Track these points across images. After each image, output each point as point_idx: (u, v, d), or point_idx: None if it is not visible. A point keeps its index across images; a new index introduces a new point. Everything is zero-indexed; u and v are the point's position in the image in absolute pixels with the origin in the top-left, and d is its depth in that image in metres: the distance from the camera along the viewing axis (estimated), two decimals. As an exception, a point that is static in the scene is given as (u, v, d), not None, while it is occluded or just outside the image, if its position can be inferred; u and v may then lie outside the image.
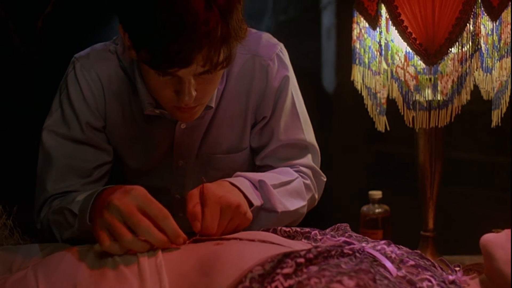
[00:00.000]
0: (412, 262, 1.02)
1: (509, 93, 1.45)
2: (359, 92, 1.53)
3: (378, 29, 1.44)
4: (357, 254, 1.01)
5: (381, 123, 1.51)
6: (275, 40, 1.44)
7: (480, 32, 1.39)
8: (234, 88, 1.39)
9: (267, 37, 1.43)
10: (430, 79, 1.41)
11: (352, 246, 1.03)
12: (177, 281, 0.98)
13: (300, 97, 1.47)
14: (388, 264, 0.99)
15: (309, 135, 1.47)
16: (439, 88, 1.40)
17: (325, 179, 1.50)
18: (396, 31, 1.39)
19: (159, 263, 1.01)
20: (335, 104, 2.64)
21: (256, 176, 1.31)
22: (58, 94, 1.38)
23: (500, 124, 1.45)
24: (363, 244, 1.05)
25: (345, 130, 2.62)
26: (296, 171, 1.43)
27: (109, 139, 1.38)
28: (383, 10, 1.41)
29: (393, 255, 1.03)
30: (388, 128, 1.52)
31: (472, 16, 1.37)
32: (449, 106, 1.41)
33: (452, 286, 1.02)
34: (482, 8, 1.38)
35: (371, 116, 1.53)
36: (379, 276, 0.93)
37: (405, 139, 1.61)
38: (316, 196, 1.47)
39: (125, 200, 1.02)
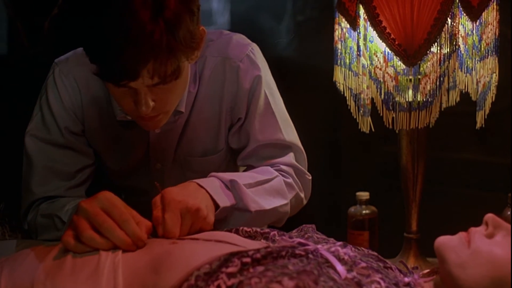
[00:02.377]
0: (363, 264, 1.01)
1: (492, 94, 1.43)
2: (342, 93, 1.52)
3: (357, 29, 1.43)
4: (310, 256, 1.01)
5: (365, 124, 1.50)
6: (246, 41, 1.44)
7: (459, 32, 1.37)
8: (206, 92, 1.40)
9: (238, 38, 1.43)
10: (411, 80, 1.40)
11: (306, 247, 1.04)
12: (130, 279, 1.01)
13: (277, 96, 1.46)
14: (339, 267, 0.99)
15: (289, 135, 1.45)
16: (419, 89, 1.39)
17: (310, 177, 1.48)
18: (375, 31, 1.38)
19: (117, 261, 1.04)
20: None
21: (229, 176, 1.31)
22: (39, 99, 1.41)
23: (484, 125, 1.43)
24: (318, 246, 1.05)
25: (356, 129, 2.60)
26: (276, 170, 1.41)
27: (89, 142, 1.41)
28: (362, 11, 1.40)
29: (346, 257, 1.03)
30: (373, 129, 1.50)
31: (450, 16, 1.35)
32: (429, 107, 1.39)
33: (405, 288, 1.02)
34: (461, 8, 1.36)
35: (355, 117, 1.51)
36: (326, 277, 0.93)
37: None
38: (302, 195, 1.45)
39: (92, 203, 1.08)
